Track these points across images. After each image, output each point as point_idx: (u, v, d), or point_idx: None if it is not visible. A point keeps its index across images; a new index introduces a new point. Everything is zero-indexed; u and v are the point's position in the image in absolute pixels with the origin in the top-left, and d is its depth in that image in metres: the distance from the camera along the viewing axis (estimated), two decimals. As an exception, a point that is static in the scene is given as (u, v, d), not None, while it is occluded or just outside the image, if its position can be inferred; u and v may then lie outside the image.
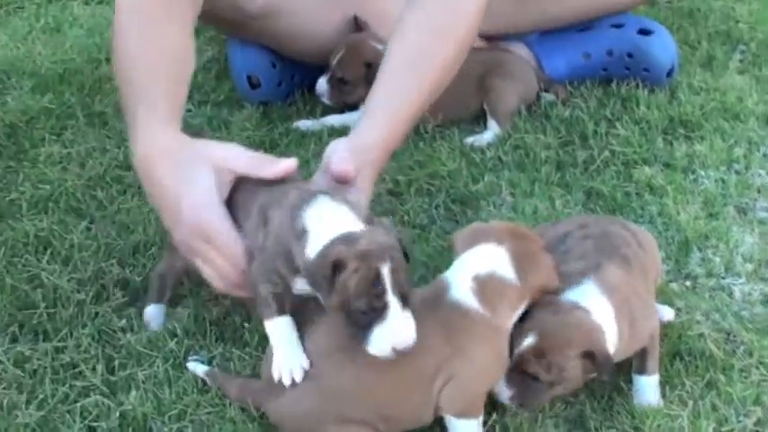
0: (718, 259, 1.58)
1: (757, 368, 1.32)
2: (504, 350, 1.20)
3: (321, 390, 1.16)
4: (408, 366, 1.15)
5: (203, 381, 1.31)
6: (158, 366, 1.34)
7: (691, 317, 1.43)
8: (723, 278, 1.54)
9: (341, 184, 1.34)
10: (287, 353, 1.19)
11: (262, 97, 2.10)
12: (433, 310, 1.18)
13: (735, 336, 1.40)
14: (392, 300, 1.09)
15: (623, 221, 1.43)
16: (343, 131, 1.97)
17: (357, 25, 2.02)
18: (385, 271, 1.08)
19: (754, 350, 1.35)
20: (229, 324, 1.43)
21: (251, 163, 1.34)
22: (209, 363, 1.35)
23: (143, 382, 1.32)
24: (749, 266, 1.56)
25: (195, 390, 1.29)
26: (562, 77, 2.12)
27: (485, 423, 1.23)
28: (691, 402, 1.26)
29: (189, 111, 2.08)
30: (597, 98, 2.07)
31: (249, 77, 2.08)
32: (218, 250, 1.27)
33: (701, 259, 1.59)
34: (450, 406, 1.18)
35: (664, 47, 2.07)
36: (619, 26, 2.11)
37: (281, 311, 1.20)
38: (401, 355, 1.12)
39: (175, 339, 1.39)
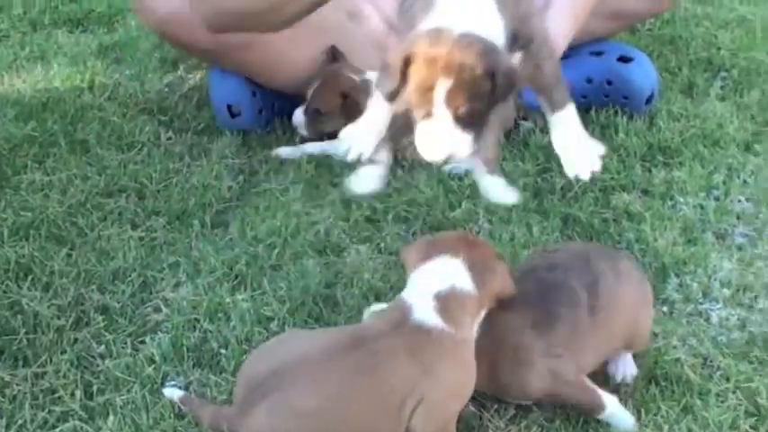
0: (695, 285, 1.60)
1: (734, 393, 1.33)
2: (472, 362, 1.20)
3: (293, 410, 1.16)
4: (379, 389, 1.16)
5: (180, 406, 1.30)
6: (136, 392, 1.34)
7: (667, 342, 1.44)
8: (701, 303, 1.56)
9: None
10: (365, 128, 1.21)
11: (242, 126, 2.11)
12: (398, 333, 1.18)
13: (711, 361, 1.41)
14: (439, 111, 1.07)
15: (625, 273, 1.35)
16: (322, 160, 2.00)
17: (333, 56, 2.05)
18: (441, 85, 1.06)
19: (731, 375, 1.36)
20: (207, 350, 1.43)
21: None
22: (186, 388, 1.35)
23: (121, 408, 1.31)
24: (726, 292, 1.58)
25: (172, 415, 1.29)
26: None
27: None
28: (666, 427, 1.27)
29: (169, 139, 2.10)
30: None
31: (229, 107, 2.10)
32: (377, 5, 1.24)
33: (678, 285, 1.60)
34: (423, 428, 1.17)
35: (643, 74, 2.10)
36: (598, 53, 2.14)
37: (392, 97, 1.15)
38: (371, 378, 1.13)
39: (153, 365, 1.39)
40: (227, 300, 1.54)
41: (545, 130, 2.08)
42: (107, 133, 2.09)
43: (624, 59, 2.12)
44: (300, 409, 1.16)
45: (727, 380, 1.35)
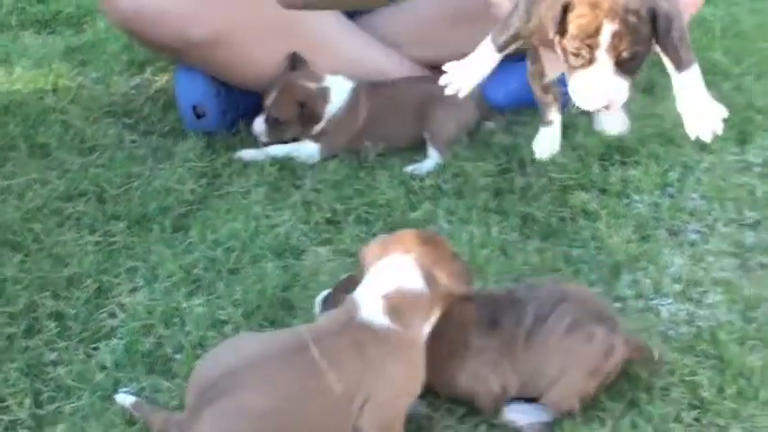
0: (647, 281, 1.62)
1: (678, 386, 1.35)
2: (421, 362, 1.21)
3: (242, 413, 1.16)
4: (326, 388, 1.17)
5: (131, 413, 1.31)
6: (86, 399, 1.34)
7: (617, 338, 1.46)
8: (651, 299, 1.58)
9: None
10: (469, 69, 1.26)
11: (207, 127, 2.12)
12: (345, 331, 1.20)
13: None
14: (602, 57, 1.07)
15: (583, 334, 1.29)
16: (285, 162, 2.01)
17: (293, 62, 2.06)
18: (607, 30, 1.06)
19: (676, 369, 1.38)
20: (161, 355, 1.44)
21: None
22: (139, 395, 1.35)
23: (70, 416, 1.31)
24: (677, 287, 1.60)
25: (123, 422, 1.29)
26: (503, 106, 2.17)
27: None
28: (611, 422, 1.29)
29: (134, 141, 2.10)
30: (537, 126, 2.10)
31: (194, 107, 2.10)
32: None
33: (631, 281, 1.62)
34: (369, 426, 1.18)
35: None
36: (559, 54, 2.16)
37: (502, 48, 1.23)
38: (319, 378, 1.15)
39: (105, 372, 1.39)
40: (184, 304, 1.54)
41: (507, 130, 2.12)
42: (69, 137, 2.08)
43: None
44: (250, 411, 1.16)
45: (672, 374, 1.37)
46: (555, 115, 1.36)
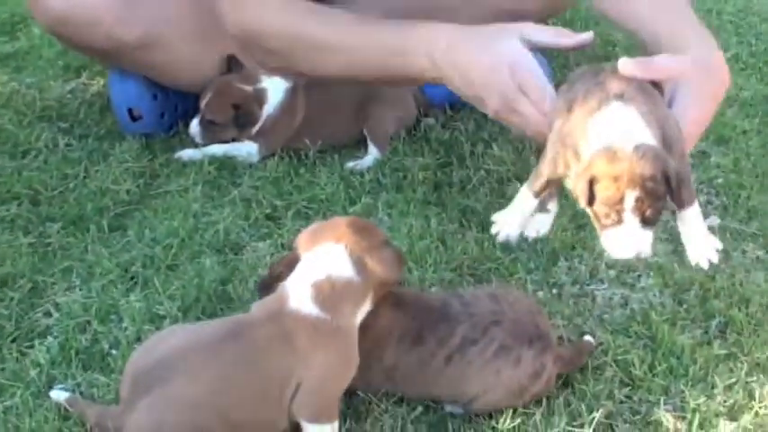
0: (583, 267, 1.66)
1: (611, 366, 1.39)
2: (352, 349, 1.22)
3: (172, 400, 1.16)
4: (257, 376, 1.17)
5: (66, 408, 1.29)
6: (19, 397, 1.31)
7: (552, 322, 1.49)
8: (587, 285, 1.62)
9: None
10: (512, 217, 1.40)
11: (144, 129, 2.10)
12: (275, 320, 1.20)
13: (594, 337, 1.46)
14: (629, 218, 1.23)
15: (508, 359, 1.29)
16: (224, 161, 2.00)
17: (230, 65, 2.05)
18: (630, 197, 1.21)
19: (609, 349, 1.42)
20: (97, 351, 1.42)
21: (550, 33, 1.45)
22: (74, 391, 1.33)
23: (3, 413, 1.29)
24: (612, 273, 1.64)
25: (57, 418, 1.27)
26: (442, 102, 2.20)
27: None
28: (545, 401, 1.31)
29: (69, 145, 2.07)
30: (476, 121, 2.15)
31: (130, 110, 2.08)
32: (532, 102, 1.37)
33: (567, 268, 1.66)
34: (301, 412, 1.19)
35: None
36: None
37: (538, 194, 1.36)
38: (250, 367, 1.15)
39: (39, 369, 1.37)
40: (121, 301, 1.53)
41: (446, 125, 2.15)
42: (1, 141, 2.04)
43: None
44: (183, 400, 1.16)
45: (606, 354, 1.41)
46: (554, 205, 1.50)
